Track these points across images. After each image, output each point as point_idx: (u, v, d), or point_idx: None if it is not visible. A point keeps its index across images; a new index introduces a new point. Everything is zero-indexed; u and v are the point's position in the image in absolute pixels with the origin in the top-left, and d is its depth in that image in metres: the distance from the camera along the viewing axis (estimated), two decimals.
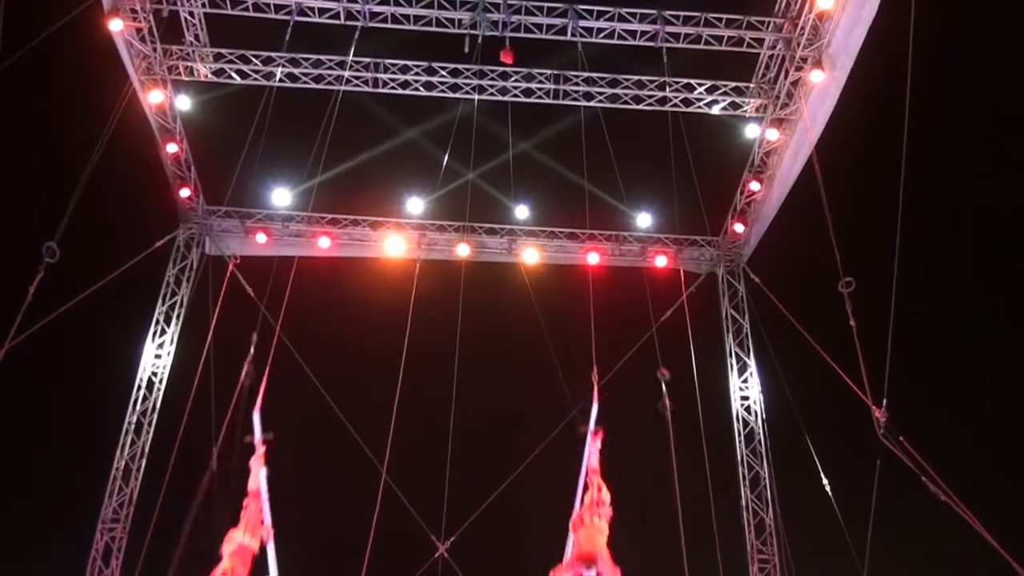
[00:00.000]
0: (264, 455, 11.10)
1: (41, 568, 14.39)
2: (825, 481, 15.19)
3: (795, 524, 15.67)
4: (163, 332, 16.72)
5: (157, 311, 16.82)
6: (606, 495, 10.14)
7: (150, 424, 16.03)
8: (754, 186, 16.51)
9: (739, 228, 17.23)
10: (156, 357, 16.52)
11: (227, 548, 10.03)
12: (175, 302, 16.97)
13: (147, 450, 15.84)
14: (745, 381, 17.08)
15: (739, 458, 16.39)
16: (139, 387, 16.21)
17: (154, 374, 16.41)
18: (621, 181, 16.44)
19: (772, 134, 15.73)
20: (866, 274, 13.78)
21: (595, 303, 16.23)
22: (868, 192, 15.28)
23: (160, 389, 16.34)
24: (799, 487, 15.85)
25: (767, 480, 16.11)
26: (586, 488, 10.43)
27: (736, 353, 17.28)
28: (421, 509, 16.14)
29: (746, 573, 15.55)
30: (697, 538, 14.84)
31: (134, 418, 15.96)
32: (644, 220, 17.45)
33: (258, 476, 10.85)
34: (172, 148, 16.05)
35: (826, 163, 13.85)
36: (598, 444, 10.93)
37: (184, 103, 15.80)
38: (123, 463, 15.59)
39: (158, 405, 16.21)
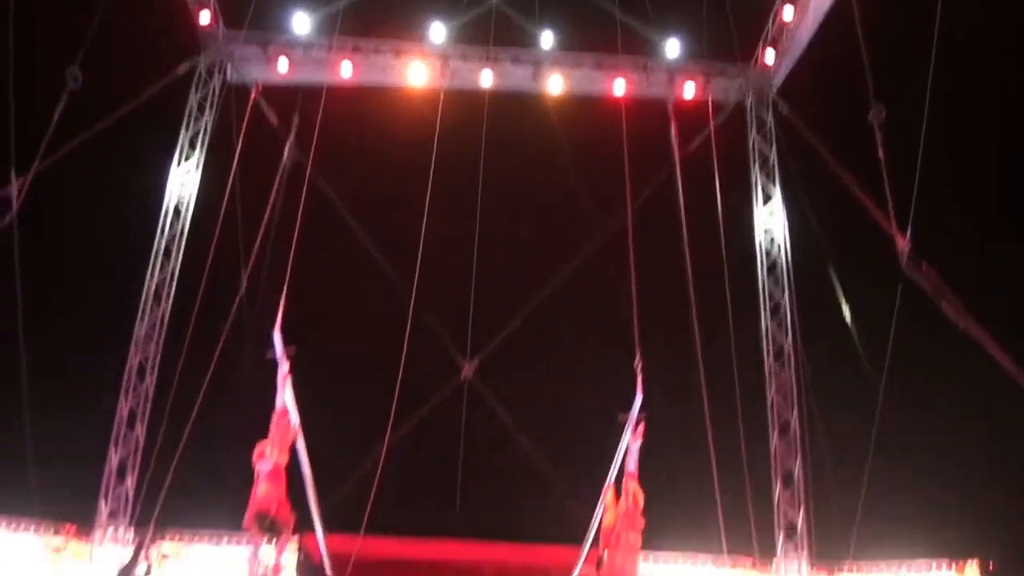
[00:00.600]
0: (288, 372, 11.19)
1: (79, 385, 14.80)
2: (845, 309, 15.35)
3: (814, 354, 15.89)
4: (188, 159, 16.74)
5: (181, 138, 16.80)
6: (640, 501, 10.23)
7: (179, 249, 16.23)
8: (787, 11, 16.06)
9: (770, 56, 16.84)
10: (182, 184, 16.60)
11: (261, 467, 10.48)
12: (199, 129, 16.92)
13: (176, 274, 16.08)
14: (770, 212, 17.03)
15: (760, 287, 16.52)
16: (166, 213, 16.36)
17: (181, 200, 16.51)
18: (650, 5, 16.06)
19: None
20: (897, 105, 13.59)
21: (620, 133, 16.05)
22: (903, 19, 14.84)
23: (187, 215, 16.47)
24: (819, 319, 16.02)
25: (787, 308, 16.25)
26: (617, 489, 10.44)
27: (762, 184, 17.18)
28: (447, 334, 16.50)
29: (764, 396, 15.88)
30: (715, 363, 15.13)
31: (162, 243, 16.16)
32: (673, 48, 17.05)
33: (284, 395, 11.07)
34: None
35: None
36: (638, 443, 10.86)
37: None
38: (153, 285, 15.87)
39: (186, 230, 16.36)
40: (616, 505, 10.81)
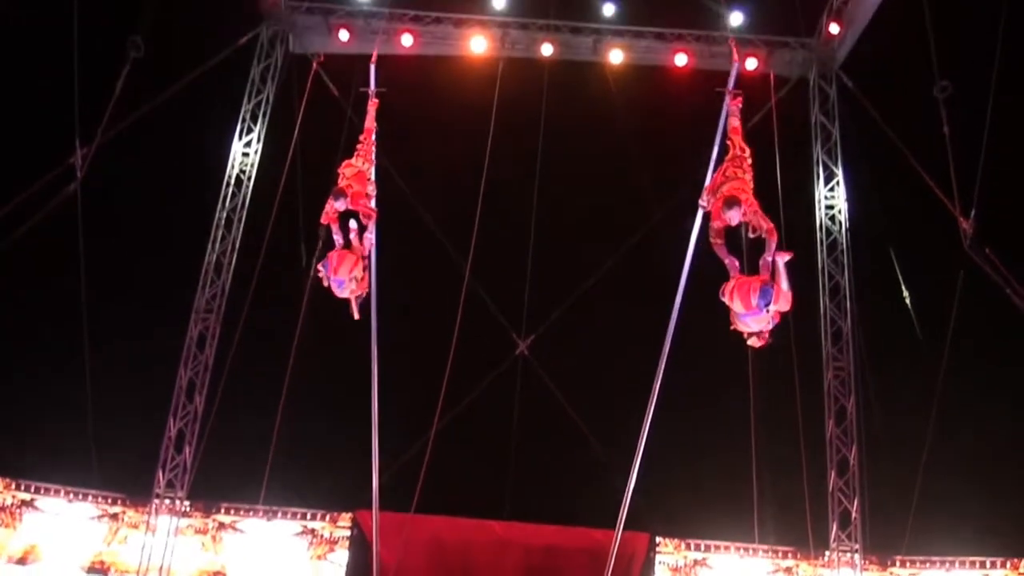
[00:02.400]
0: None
1: (141, 350, 15.12)
2: (905, 292, 15.09)
3: (873, 336, 15.64)
4: (250, 130, 16.88)
5: (243, 109, 16.92)
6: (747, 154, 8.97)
7: (240, 220, 16.41)
8: None
9: (834, 29, 16.46)
10: (243, 155, 16.76)
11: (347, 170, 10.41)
12: (260, 100, 17.02)
13: (238, 245, 16.29)
14: (832, 190, 16.76)
15: (820, 267, 16.28)
16: (228, 184, 16.53)
17: (242, 171, 16.69)
18: None
19: None
20: (965, 82, 13.26)
21: (681, 108, 15.85)
22: None
23: (249, 186, 16.64)
24: (880, 300, 15.76)
25: (847, 290, 16.02)
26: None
27: (824, 161, 16.89)
28: (503, 309, 16.51)
29: (820, 379, 15.69)
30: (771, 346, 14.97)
31: (223, 215, 16.36)
32: (736, 19, 16.75)
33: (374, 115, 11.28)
34: None
35: None
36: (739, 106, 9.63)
37: None
38: (214, 257, 16.09)
39: (247, 202, 16.54)
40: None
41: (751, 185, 8.66)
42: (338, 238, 10.08)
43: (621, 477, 10.82)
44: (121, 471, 14.92)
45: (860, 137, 16.08)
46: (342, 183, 10.20)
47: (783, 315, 8.16)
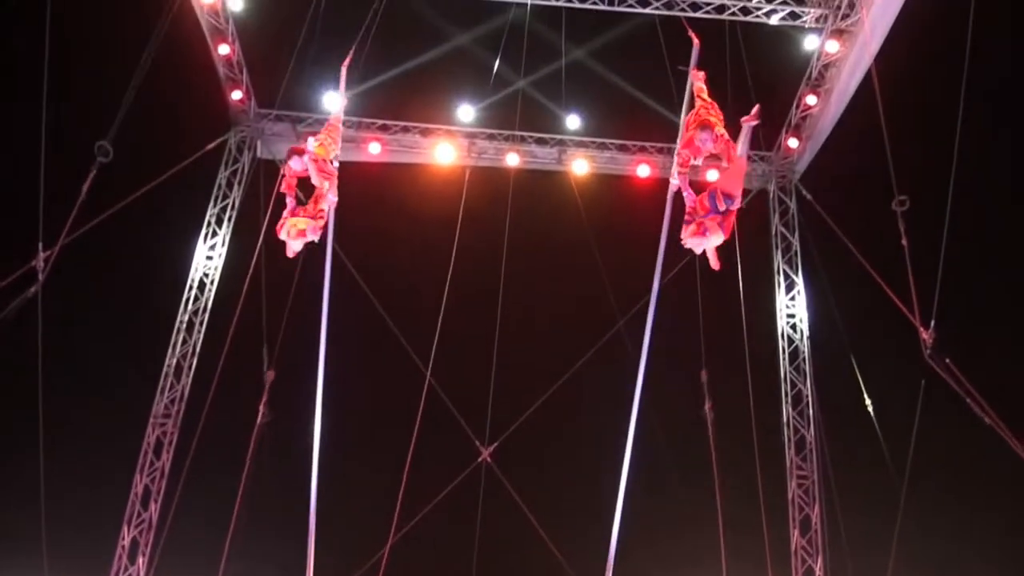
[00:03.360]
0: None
1: (94, 459, 14.80)
2: (868, 401, 15.16)
3: (836, 444, 15.66)
4: (214, 234, 16.89)
5: (209, 213, 16.94)
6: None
7: (201, 324, 16.30)
8: (811, 100, 16.14)
9: (793, 143, 16.91)
10: (207, 259, 16.73)
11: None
12: (226, 204, 17.08)
13: (198, 349, 16.14)
14: (792, 299, 16.96)
15: (782, 375, 16.37)
16: (191, 287, 16.46)
17: (205, 275, 16.63)
18: (676, 91, 16.16)
19: (832, 46, 15.31)
20: (921, 194, 13.54)
21: (644, 215, 16.05)
22: (927, 109, 14.87)
23: (211, 290, 16.57)
24: (842, 407, 15.83)
25: (809, 398, 16.09)
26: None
27: (784, 271, 17.13)
28: (465, 416, 16.38)
29: (784, 489, 15.62)
30: (736, 455, 14.97)
31: (186, 317, 16.25)
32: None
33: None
34: (224, 49, 15.97)
35: (886, 77, 13.49)
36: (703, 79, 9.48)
37: (236, 4, 15.68)
38: (175, 361, 15.92)
39: (209, 305, 16.45)
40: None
41: (723, 120, 8.95)
42: (292, 201, 9.90)
43: None
44: None
45: (821, 247, 16.35)
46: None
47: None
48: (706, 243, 8.80)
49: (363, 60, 14.95)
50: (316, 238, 9.93)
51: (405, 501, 14.17)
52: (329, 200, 9.92)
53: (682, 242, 8.88)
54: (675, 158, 9.06)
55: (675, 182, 9.06)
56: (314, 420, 10.56)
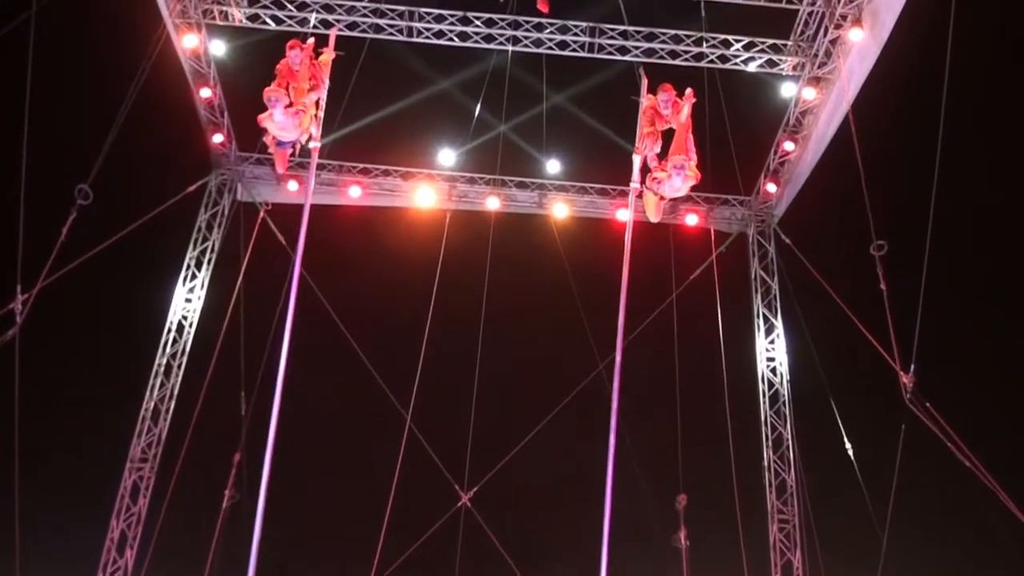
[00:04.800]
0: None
1: (70, 503, 14.64)
2: (848, 445, 15.19)
3: (817, 487, 15.67)
4: (194, 277, 16.83)
5: (188, 256, 16.91)
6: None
7: (180, 367, 16.20)
8: (788, 146, 16.29)
9: (771, 188, 17.06)
10: (187, 301, 16.66)
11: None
12: (206, 247, 17.04)
13: (176, 392, 16.02)
14: (772, 342, 17.03)
15: (763, 419, 16.39)
16: (169, 330, 16.37)
17: (184, 318, 16.55)
18: None
19: (809, 93, 15.49)
20: (899, 238, 13.66)
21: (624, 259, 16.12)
22: (904, 155, 15.07)
23: (190, 333, 16.49)
24: (822, 451, 15.85)
25: (790, 441, 16.11)
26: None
27: (764, 314, 17.21)
28: (445, 460, 16.29)
29: (766, 533, 15.58)
30: (717, 498, 14.93)
31: (164, 360, 16.14)
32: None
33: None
34: (206, 93, 16.00)
35: (863, 124, 13.65)
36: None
37: (218, 48, 15.75)
38: (152, 404, 15.79)
39: (188, 348, 16.37)
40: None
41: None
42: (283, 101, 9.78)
43: None
44: None
45: (800, 290, 16.44)
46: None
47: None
48: (672, 187, 9.94)
49: (344, 104, 15.01)
50: (295, 137, 10.11)
51: (385, 546, 14.00)
52: (319, 95, 10.18)
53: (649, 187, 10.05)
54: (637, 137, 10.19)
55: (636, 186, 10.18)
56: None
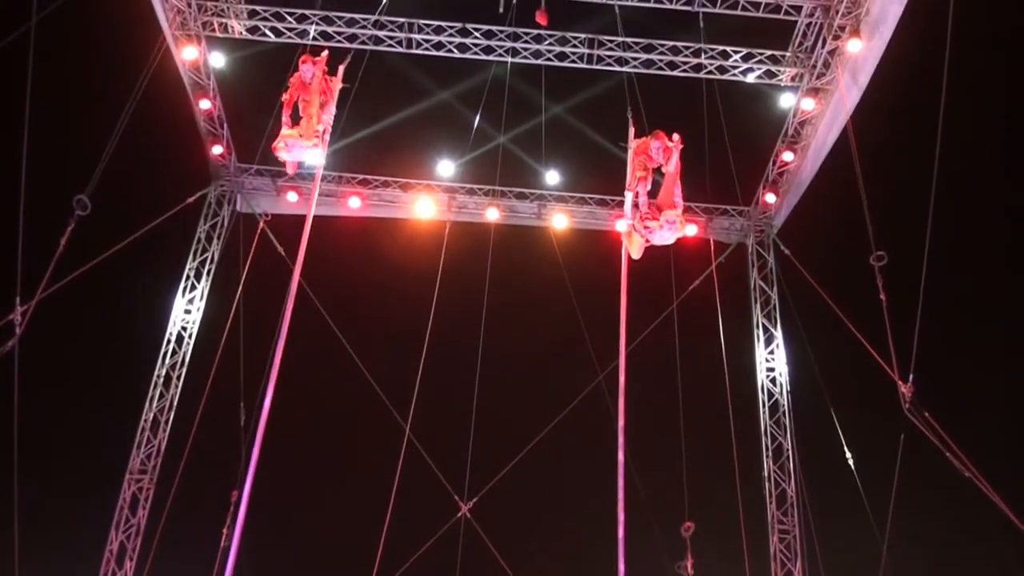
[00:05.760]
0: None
1: (70, 515, 14.62)
2: (848, 454, 15.16)
3: (817, 497, 15.64)
4: (193, 288, 16.83)
5: (187, 267, 16.92)
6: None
7: (179, 378, 16.18)
8: (787, 156, 16.33)
9: (771, 198, 17.08)
10: (186, 312, 16.66)
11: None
12: (205, 258, 17.05)
13: (175, 403, 16.00)
14: (771, 353, 17.02)
15: (763, 429, 16.37)
16: (168, 341, 16.36)
17: (184, 328, 16.54)
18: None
19: (807, 104, 15.52)
20: (898, 248, 13.67)
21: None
22: (903, 165, 15.09)
23: (189, 344, 16.48)
24: (822, 460, 15.82)
25: (790, 452, 16.08)
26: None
27: (763, 324, 17.21)
28: (445, 471, 16.27)
29: (766, 544, 15.54)
30: (718, 509, 14.90)
31: (163, 371, 16.12)
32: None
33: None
34: (205, 105, 16.05)
35: (861, 134, 13.69)
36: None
37: (218, 60, 15.78)
38: (151, 415, 15.77)
39: (187, 359, 16.35)
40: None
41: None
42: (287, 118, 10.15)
43: None
44: None
45: (800, 300, 16.44)
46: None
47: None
48: (661, 236, 10.13)
49: (344, 116, 15.03)
50: (312, 160, 10.69)
51: (384, 556, 13.96)
52: (324, 120, 10.30)
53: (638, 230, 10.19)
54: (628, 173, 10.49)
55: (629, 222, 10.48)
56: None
